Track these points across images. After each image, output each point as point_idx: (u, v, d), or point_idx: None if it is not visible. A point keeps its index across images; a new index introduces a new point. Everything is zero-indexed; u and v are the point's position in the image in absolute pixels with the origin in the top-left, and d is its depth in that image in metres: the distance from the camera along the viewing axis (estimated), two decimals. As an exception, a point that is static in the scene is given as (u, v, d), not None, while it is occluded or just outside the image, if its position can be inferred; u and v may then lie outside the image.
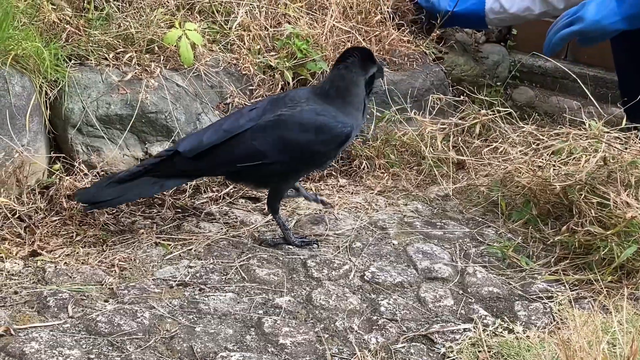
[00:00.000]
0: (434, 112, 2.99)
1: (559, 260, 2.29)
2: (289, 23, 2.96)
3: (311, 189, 2.68)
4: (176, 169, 2.25)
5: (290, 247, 2.31)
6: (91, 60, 2.64)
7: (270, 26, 2.95)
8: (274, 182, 2.31)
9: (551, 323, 2.03)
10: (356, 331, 1.94)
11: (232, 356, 1.80)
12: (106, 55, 2.67)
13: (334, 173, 2.80)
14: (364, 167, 2.81)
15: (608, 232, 2.20)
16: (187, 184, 2.58)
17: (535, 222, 2.47)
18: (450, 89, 3.30)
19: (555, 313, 2.07)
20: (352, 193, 2.68)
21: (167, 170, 2.25)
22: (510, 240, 2.40)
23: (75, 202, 2.34)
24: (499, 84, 3.62)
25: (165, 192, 2.50)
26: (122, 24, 2.75)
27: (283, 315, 1.98)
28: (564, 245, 2.32)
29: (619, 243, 2.19)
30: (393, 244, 2.38)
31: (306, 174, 2.51)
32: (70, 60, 2.60)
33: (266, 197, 2.37)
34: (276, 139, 2.23)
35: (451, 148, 2.81)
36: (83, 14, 2.75)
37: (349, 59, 2.30)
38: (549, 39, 2.89)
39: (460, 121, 2.91)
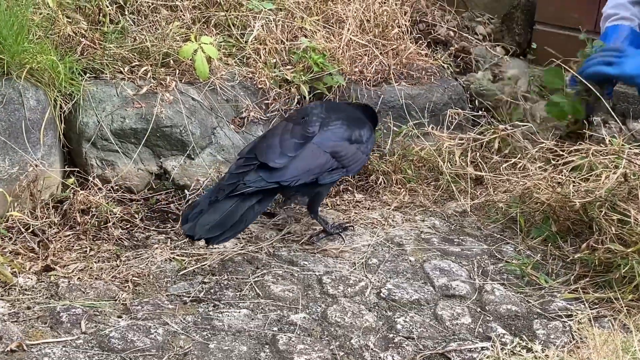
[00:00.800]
0: (452, 127, 2.98)
1: (578, 278, 2.27)
2: (306, 37, 2.97)
3: (327, 205, 2.69)
4: (265, 186, 2.25)
5: (306, 262, 2.31)
6: (106, 74, 2.66)
7: (287, 40, 2.96)
8: (320, 191, 2.44)
9: (570, 342, 2.01)
10: (372, 349, 1.93)
11: (246, 374, 1.81)
12: (121, 68, 2.69)
13: (350, 188, 2.80)
14: (381, 182, 2.81)
15: (629, 250, 2.18)
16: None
17: (554, 239, 2.45)
18: (469, 103, 3.29)
19: (575, 332, 2.05)
20: (368, 208, 2.68)
21: (256, 186, 2.23)
22: (529, 258, 2.38)
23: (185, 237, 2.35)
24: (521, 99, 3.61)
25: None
26: (137, 38, 2.77)
27: (298, 333, 1.98)
28: (584, 263, 2.30)
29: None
30: (410, 261, 2.37)
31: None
32: (85, 74, 2.62)
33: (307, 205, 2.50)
34: (337, 148, 2.41)
35: (469, 163, 2.80)
36: (98, 27, 2.78)
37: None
38: (586, 66, 2.83)
39: (478, 136, 2.90)
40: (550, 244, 2.44)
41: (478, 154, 2.90)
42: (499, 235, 2.54)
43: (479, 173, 2.76)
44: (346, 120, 2.47)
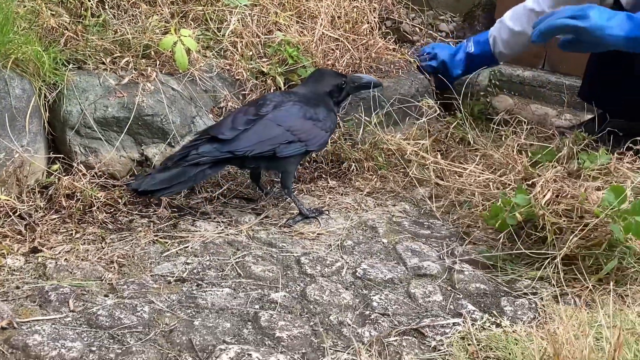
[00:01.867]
0: (424, 118, 2.99)
1: (542, 262, 2.26)
2: (280, 31, 2.95)
3: (303, 190, 2.68)
4: (218, 155, 2.31)
5: (285, 244, 2.30)
6: (89, 65, 2.62)
7: (262, 34, 2.94)
8: (286, 165, 2.44)
9: (536, 318, 2.02)
10: (350, 325, 1.93)
11: (230, 349, 1.78)
12: (103, 59, 2.66)
13: (324, 175, 2.79)
14: (353, 169, 2.80)
15: (589, 244, 2.19)
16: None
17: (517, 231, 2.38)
18: (435, 95, 3.30)
19: (540, 308, 2.06)
20: (342, 194, 2.67)
21: (210, 155, 2.30)
22: (495, 240, 2.38)
23: (130, 191, 2.40)
24: (482, 93, 3.63)
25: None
26: (118, 30, 2.74)
27: (279, 310, 1.97)
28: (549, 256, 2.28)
29: (605, 255, 2.17)
30: (383, 243, 2.37)
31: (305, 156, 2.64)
32: (68, 64, 2.58)
33: (279, 180, 2.58)
34: (293, 122, 2.43)
35: (436, 154, 2.82)
36: (80, 20, 2.74)
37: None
38: (544, 25, 2.71)
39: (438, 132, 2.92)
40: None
41: (445, 143, 2.93)
42: (465, 221, 2.54)
43: (440, 163, 2.75)
44: (300, 102, 2.48)
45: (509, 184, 2.59)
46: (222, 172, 2.66)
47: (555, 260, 2.15)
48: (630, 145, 2.47)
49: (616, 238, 2.11)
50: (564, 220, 2.21)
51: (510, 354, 1.83)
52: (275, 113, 2.42)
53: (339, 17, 3.16)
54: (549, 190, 2.26)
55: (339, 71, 2.89)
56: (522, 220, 2.29)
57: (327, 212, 2.52)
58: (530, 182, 2.47)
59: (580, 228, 2.15)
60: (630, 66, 2.95)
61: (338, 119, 2.61)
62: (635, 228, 2.08)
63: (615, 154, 2.52)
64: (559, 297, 2.08)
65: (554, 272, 2.15)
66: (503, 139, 2.96)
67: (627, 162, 2.43)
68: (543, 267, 2.18)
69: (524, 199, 2.28)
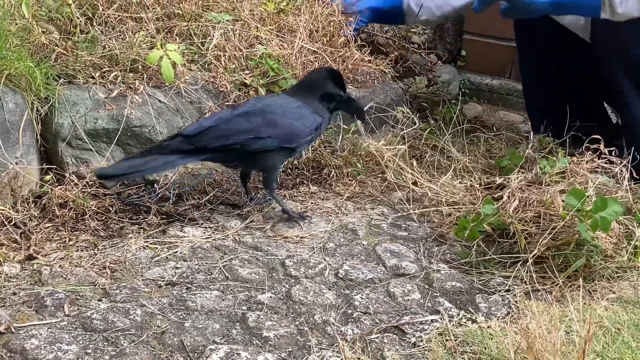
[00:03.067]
0: (400, 125, 2.99)
1: (515, 263, 2.26)
2: (261, 44, 2.94)
3: (285, 196, 2.67)
4: (179, 146, 2.30)
5: (270, 248, 2.29)
6: (79, 79, 2.60)
7: (244, 47, 2.93)
8: (265, 163, 2.42)
9: (510, 314, 2.03)
10: (334, 324, 1.92)
11: (220, 349, 1.78)
12: (93, 74, 2.64)
13: (305, 181, 2.78)
14: (333, 175, 2.80)
15: (558, 244, 2.20)
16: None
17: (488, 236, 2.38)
18: (409, 104, 3.31)
19: (513, 304, 2.07)
20: (322, 199, 2.67)
21: (171, 146, 2.31)
22: (469, 242, 2.38)
23: (95, 178, 2.43)
24: (453, 101, 3.65)
25: (151, 197, 2.50)
26: (107, 46, 2.72)
27: (265, 311, 1.96)
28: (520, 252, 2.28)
29: (574, 253, 2.18)
30: (363, 244, 2.37)
31: (282, 159, 2.52)
32: (59, 79, 2.56)
33: (262, 183, 2.53)
34: (267, 119, 2.38)
35: (412, 159, 2.83)
36: (70, 37, 2.72)
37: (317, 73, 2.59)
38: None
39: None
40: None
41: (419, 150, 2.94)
42: (441, 221, 2.55)
43: (414, 176, 2.76)
44: (280, 101, 2.49)
45: (477, 189, 2.60)
46: (196, 165, 2.68)
47: (527, 263, 2.16)
48: (588, 145, 2.49)
49: (583, 238, 2.12)
50: (532, 226, 2.23)
51: (485, 348, 1.84)
52: (247, 110, 2.40)
53: (316, 31, 3.16)
54: (515, 198, 2.27)
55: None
56: (492, 229, 2.30)
57: (309, 216, 2.51)
58: (497, 187, 2.49)
59: (548, 231, 2.16)
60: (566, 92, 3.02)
61: (326, 123, 2.54)
62: (601, 224, 2.10)
63: (575, 156, 2.53)
64: (530, 293, 2.09)
65: (526, 273, 2.16)
66: (475, 145, 2.98)
67: (586, 164, 2.44)
68: (516, 268, 2.19)
69: (492, 208, 2.29)
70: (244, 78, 2.82)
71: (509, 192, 2.31)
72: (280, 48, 2.96)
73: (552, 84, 3.12)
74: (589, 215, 2.12)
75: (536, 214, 2.24)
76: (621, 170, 2.40)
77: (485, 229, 2.28)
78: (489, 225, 2.28)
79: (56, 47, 2.64)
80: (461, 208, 2.55)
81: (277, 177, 2.56)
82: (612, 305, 2.08)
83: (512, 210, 2.24)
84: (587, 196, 2.16)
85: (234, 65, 2.86)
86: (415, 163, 2.80)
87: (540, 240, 2.15)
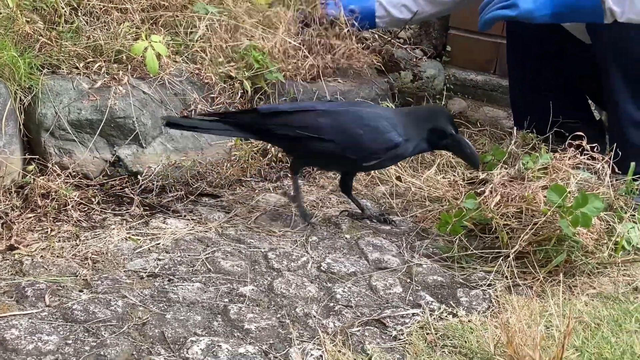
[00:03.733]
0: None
1: (496, 258, 2.26)
2: (247, 37, 2.93)
3: (269, 189, 2.66)
4: (249, 121, 2.37)
5: (252, 241, 2.29)
6: (63, 69, 2.58)
7: (230, 39, 2.91)
8: (321, 162, 2.45)
9: (491, 308, 2.04)
10: (315, 317, 1.92)
11: (201, 340, 1.77)
12: (77, 64, 2.62)
13: (289, 174, 2.77)
14: (317, 168, 2.79)
15: (539, 239, 2.20)
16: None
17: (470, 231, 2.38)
18: (394, 99, 3.31)
19: (494, 299, 2.08)
20: (307, 192, 2.66)
21: (241, 119, 2.38)
22: (451, 237, 2.38)
23: (162, 121, 2.54)
24: (438, 96, 3.65)
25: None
26: (91, 36, 2.70)
27: (247, 303, 1.96)
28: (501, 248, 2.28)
29: (555, 249, 2.19)
30: (346, 238, 2.37)
31: (345, 168, 2.47)
32: (43, 69, 2.54)
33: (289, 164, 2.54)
34: (338, 122, 2.31)
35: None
36: (54, 27, 2.70)
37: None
38: (482, 17, 2.74)
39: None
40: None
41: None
42: (423, 216, 2.55)
43: (396, 169, 2.76)
44: (375, 112, 2.40)
45: (460, 184, 2.61)
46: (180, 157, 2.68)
47: (509, 258, 2.17)
48: (571, 141, 2.49)
49: (564, 233, 2.13)
50: (514, 222, 2.23)
51: (466, 342, 1.85)
52: (327, 108, 2.37)
53: (307, 25, 3.14)
54: (497, 194, 2.28)
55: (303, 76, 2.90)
56: (474, 224, 2.30)
57: (314, 223, 2.45)
58: (479, 182, 2.50)
59: (529, 227, 2.17)
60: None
61: (412, 151, 2.40)
62: (582, 220, 2.11)
63: (558, 152, 2.54)
64: (511, 288, 2.10)
65: (507, 267, 2.16)
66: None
67: (568, 160, 2.44)
68: (497, 263, 2.20)
69: (474, 203, 2.30)
70: (230, 70, 2.81)
71: (491, 188, 2.31)
72: (265, 41, 2.95)
73: (547, 87, 3.11)
74: (570, 211, 2.13)
75: (518, 210, 2.24)
76: (603, 167, 2.41)
77: (466, 225, 2.29)
78: (471, 220, 2.29)
79: (40, 37, 2.62)
80: (444, 203, 2.55)
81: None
82: (592, 300, 2.09)
83: (493, 205, 2.25)
84: (569, 192, 2.17)
85: (219, 58, 2.84)
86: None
87: (522, 236, 2.16)
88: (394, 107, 3.00)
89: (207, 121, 2.41)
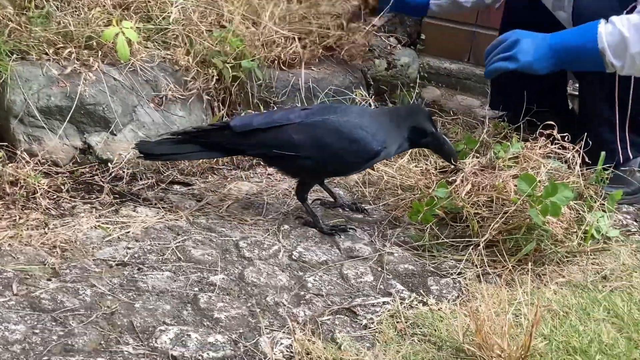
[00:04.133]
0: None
1: (467, 246, 2.26)
2: (225, 22, 2.90)
3: (241, 177, 2.65)
4: (223, 140, 2.30)
5: (224, 229, 2.28)
6: (32, 55, 2.55)
7: (206, 25, 2.88)
8: (302, 175, 2.35)
9: (460, 296, 2.04)
10: (286, 305, 1.92)
11: (170, 330, 1.76)
12: (47, 50, 2.59)
13: (262, 163, 2.76)
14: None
15: (509, 228, 2.21)
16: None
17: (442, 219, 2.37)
18: (368, 87, 3.30)
19: (464, 287, 2.09)
20: (279, 180, 2.66)
21: (215, 138, 2.31)
22: (422, 225, 2.38)
23: (135, 150, 2.39)
24: (412, 84, 3.64)
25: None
26: (61, 22, 2.67)
27: (217, 292, 1.95)
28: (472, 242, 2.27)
29: (524, 238, 2.19)
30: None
31: (332, 177, 2.55)
32: (12, 55, 2.50)
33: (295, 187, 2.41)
34: (315, 138, 2.25)
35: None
36: (24, 12, 2.66)
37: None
38: (486, 66, 2.70)
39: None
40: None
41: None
42: (395, 204, 2.55)
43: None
44: (345, 119, 2.29)
45: (433, 173, 2.61)
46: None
47: (479, 247, 2.17)
48: (542, 131, 2.50)
49: (534, 222, 2.14)
50: (485, 210, 2.24)
51: (435, 330, 1.85)
52: (302, 121, 2.28)
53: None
54: (468, 182, 2.28)
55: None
56: (445, 212, 2.31)
57: (351, 229, 2.38)
58: (452, 171, 2.50)
59: (500, 215, 2.18)
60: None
61: (390, 153, 2.36)
62: (551, 209, 2.12)
63: (529, 141, 2.54)
64: (481, 276, 2.11)
65: (477, 256, 2.17)
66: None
67: (539, 149, 2.45)
68: (467, 252, 2.20)
69: (445, 192, 2.30)
70: (204, 56, 2.78)
71: (462, 177, 2.32)
72: (244, 27, 2.92)
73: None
74: (540, 200, 2.13)
75: (489, 198, 2.25)
76: (573, 156, 2.42)
77: (438, 213, 2.29)
78: (442, 209, 2.29)
79: (10, 23, 2.58)
80: (416, 192, 2.54)
81: (309, 190, 2.42)
82: (561, 289, 2.10)
83: (464, 194, 2.25)
84: (539, 181, 2.17)
85: (193, 43, 2.81)
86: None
87: (492, 225, 2.16)
88: (370, 99, 2.98)
89: (182, 144, 2.33)
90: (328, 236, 2.31)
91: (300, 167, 2.30)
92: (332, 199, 2.51)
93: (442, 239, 2.28)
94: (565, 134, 2.45)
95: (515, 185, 2.21)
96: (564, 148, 2.44)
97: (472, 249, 2.20)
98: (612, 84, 2.62)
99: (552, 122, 2.48)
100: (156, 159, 2.46)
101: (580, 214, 2.28)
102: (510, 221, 2.18)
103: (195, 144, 2.32)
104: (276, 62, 2.96)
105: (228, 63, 2.78)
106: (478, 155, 2.54)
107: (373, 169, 2.72)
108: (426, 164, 2.73)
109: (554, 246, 2.19)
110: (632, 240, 2.41)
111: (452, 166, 2.46)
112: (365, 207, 2.50)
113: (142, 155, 2.34)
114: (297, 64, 2.99)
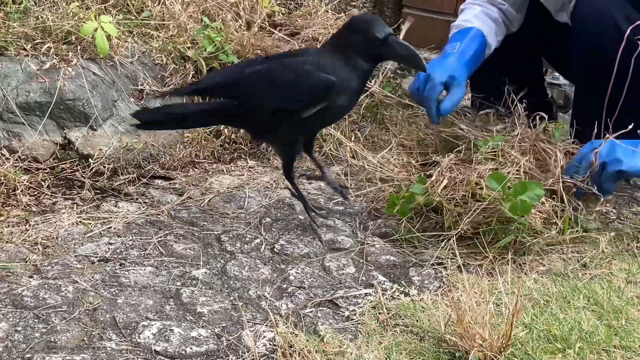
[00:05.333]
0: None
1: (448, 238, 2.26)
2: (205, 16, 2.90)
3: (222, 170, 2.65)
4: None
5: (205, 223, 2.28)
6: (10, 51, 2.54)
7: (186, 19, 2.88)
8: (271, 136, 2.21)
9: (442, 287, 2.05)
10: (268, 298, 1.92)
11: (153, 325, 1.76)
12: (25, 46, 2.57)
13: (243, 156, 2.76)
14: (271, 149, 2.78)
15: (488, 221, 2.21)
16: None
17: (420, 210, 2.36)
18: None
19: (445, 277, 2.10)
20: (260, 173, 2.66)
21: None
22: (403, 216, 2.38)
23: (132, 117, 2.33)
24: (392, 75, 3.64)
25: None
26: (39, 17, 2.65)
27: (200, 286, 1.95)
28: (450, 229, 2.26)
29: (503, 229, 2.20)
30: (299, 219, 2.36)
31: (301, 129, 2.19)
32: (-11, 51, 2.50)
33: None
34: (265, 78, 2.09)
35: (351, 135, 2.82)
36: (2, 7, 2.65)
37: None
38: (602, 187, 2.31)
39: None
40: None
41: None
42: (376, 196, 2.56)
43: (351, 147, 2.75)
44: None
45: (414, 165, 2.62)
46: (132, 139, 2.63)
47: (452, 240, 2.18)
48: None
49: (509, 216, 2.15)
50: (459, 206, 2.24)
51: (417, 321, 1.86)
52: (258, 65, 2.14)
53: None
54: (444, 177, 2.28)
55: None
56: (422, 206, 2.31)
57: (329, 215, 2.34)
58: (431, 164, 2.50)
59: (474, 209, 2.18)
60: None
61: (348, 83, 2.07)
62: (521, 207, 2.12)
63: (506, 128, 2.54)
64: (462, 267, 2.12)
65: (458, 247, 2.17)
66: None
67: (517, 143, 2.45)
68: (446, 244, 2.20)
69: (421, 188, 2.30)
70: (184, 51, 2.78)
71: (438, 171, 2.32)
72: (223, 22, 2.92)
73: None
74: (509, 198, 2.14)
75: (465, 192, 2.25)
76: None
77: (414, 207, 2.29)
78: (418, 205, 2.29)
79: (-14, 18, 2.57)
80: (395, 184, 2.55)
81: (294, 160, 2.24)
82: (542, 277, 2.12)
83: (440, 189, 2.25)
84: (507, 179, 2.17)
85: (173, 38, 2.80)
86: (353, 137, 2.80)
87: (465, 220, 2.17)
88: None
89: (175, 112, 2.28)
90: (310, 221, 2.28)
91: (263, 119, 2.14)
92: (319, 173, 2.36)
93: (420, 232, 2.27)
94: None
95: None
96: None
97: (452, 240, 2.20)
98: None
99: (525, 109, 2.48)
100: (151, 128, 2.43)
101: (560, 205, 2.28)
102: (488, 213, 2.19)
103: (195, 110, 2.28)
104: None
105: (201, 56, 2.77)
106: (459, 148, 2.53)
107: (355, 159, 2.72)
108: (408, 157, 2.73)
109: (532, 238, 2.20)
110: (612, 228, 2.43)
111: (422, 71, 2.20)
112: (349, 194, 2.46)
113: (138, 123, 2.27)
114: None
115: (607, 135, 2.30)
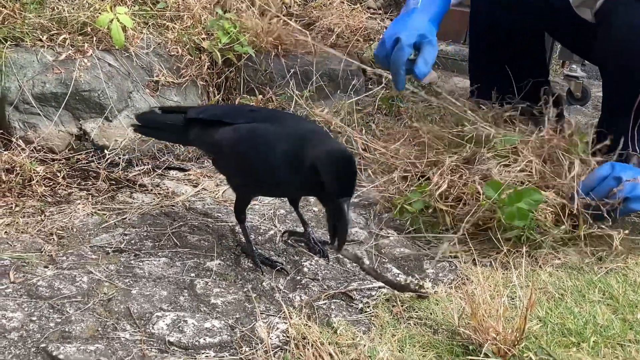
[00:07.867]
0: (350, 91, 2.98)
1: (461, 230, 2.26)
2: (220, 8, 2.90)
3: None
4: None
5: (220, 214, 2.28)
6: (26, 42, 2.55)
7: (202, 9, 2.88)
8: (232, 182, 2.07)
9: (456, 280, 2.05)
10: (282, 290, 1.93)
11: (167, 315, 1.77)
12: (41, 37, 2.59)
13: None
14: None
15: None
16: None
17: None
18: (363, 70, 3.29)
19: (459, 270, 2.09)
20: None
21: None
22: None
23: (136, 118, 2.26)
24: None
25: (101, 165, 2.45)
26: (55, 8, 2.66)
27: (214, 277, 1.95)
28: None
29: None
30: (314, 211, 2.37)
31: (255, 192, 2.09)
32: (6, 42, 2.51)
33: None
34: (233, 140, 1.92)
35: (361, 128, 2.82)
36: (18, -1, 2.66)
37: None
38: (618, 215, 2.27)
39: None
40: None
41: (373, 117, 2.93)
42: (392, 187, 2.55)
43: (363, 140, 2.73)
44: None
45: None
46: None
47: (461, 235, 2.17)
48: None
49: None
50: (458, 209, 2.23)
51: (431, 314, 1.86)
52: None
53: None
54: (444, 181, 2.27)
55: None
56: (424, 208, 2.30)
57: (282, 269, 2.03)
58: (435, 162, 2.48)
59: (474, 209, 2.17)
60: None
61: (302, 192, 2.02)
62: (518, 214, 2.11)
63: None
64: (476, 260, 2.11)
65: (471, 242, 2.16)
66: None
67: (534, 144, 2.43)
68: (459, 238, 2.20)
69: (418, 194, 2.29)
70: (199, 42, 2.78)
71: (437, 174, 2.30)
72: (238, 14, 2.92)
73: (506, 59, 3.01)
74: (505, 206, 2.13)
75: (466, 195, 2.24)
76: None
77: (413, 210, 2.28)
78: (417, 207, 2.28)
79: (3, 9, 2.58)
80: (407, 175, 2.53)
81: (247, 203, 2.07)
82: (557, 271, 2.11)
83: (437, 194, 2.24)
84: (507, 185, 2.16)
85: (188, 29, 2.81)
86: (363, 130, 2.79)
87: (465, 220, 2.16)
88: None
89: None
90: (253, 265, 2.03)
91: (224, 169, 2.08)
92: (301, 229, 2.17)
93: (430, 228, 2.27)
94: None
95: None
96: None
97: (462, 235, 2.18)
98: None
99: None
100: (142, 133, 2.33)
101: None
102: (489, 216, 2.18)
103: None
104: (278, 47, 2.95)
105: (216, 47, 2.77)
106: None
107: (367, 151, 2.70)
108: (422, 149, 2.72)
109: (542, 235, 2.18)
110: (627, 223, 2.41)
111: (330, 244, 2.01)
112: (330, 253, 2.13)
113: (137, 125, 2.20)
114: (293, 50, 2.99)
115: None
